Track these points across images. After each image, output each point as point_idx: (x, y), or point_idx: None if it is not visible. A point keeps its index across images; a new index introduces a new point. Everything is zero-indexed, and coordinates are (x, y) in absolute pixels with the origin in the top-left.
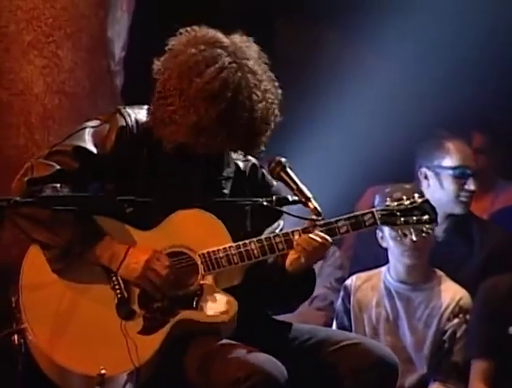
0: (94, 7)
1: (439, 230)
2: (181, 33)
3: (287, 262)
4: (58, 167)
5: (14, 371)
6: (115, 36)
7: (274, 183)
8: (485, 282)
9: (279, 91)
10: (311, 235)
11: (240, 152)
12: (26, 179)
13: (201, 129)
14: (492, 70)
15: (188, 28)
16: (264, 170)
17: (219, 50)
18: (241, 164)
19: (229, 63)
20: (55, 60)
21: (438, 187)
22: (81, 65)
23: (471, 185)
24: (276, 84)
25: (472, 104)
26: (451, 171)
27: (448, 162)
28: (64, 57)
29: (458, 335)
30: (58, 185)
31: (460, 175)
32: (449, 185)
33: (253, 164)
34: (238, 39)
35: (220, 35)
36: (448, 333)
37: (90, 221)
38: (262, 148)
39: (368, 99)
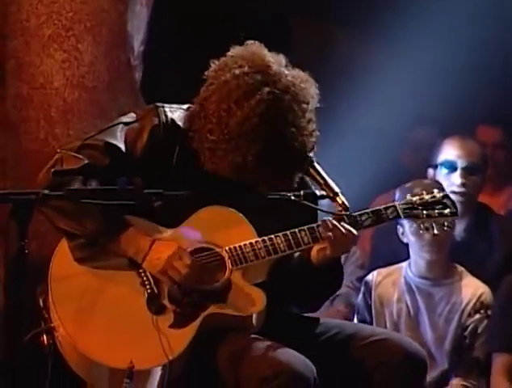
0: (113, 1)
1: (459, 230)
2: (243, 43)
3: (313, 253)
4: (87, 161)
5: (44, 372)
6: (135, 31)
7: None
8: (508, 276)
9: (317, 132)
10: (337, 225)
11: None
12: (53, 170)
13: (243, 168)
14: (510, 64)
15: (248, 42)
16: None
17: (260, 77)
18: None
19: (267, 93)
20: (75, 54)
21: None
22: (101, 59)
23: (457, 178)
24: (314, 125)
25: (489, 100)
26: (440, 167)
27: (440, 158)
28: (84, 51)
29: (479, 330)
30: (82, 177)
31: (448, 170)
32: (442, 181)
33: None
34: (290, 72)
35: (268, 59)
36: (469, 329)
37: (115, 212)
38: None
39: (381, 97)
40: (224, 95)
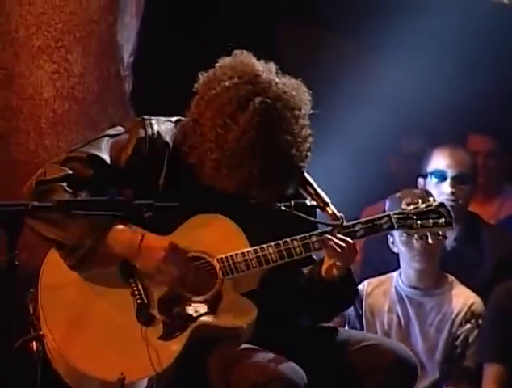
0: (103, 12)
1: (449, 239)
2: (230, 54)
3: (323, 270)
4: (69, 172)
5: (33, 379)
6: (124, 41)
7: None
8: (499, 286)
9: (311, 138)
10: (335, 239)
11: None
12: (35, 181)
13: (248, 182)
14: (501, 74)
15: (236, 52)
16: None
17: (250, 87)
18: None
19: (259, 103)
20: (64, 65)
21: None
22: (91, 70)
23: (447, 188)
24: (308, 131)
25: (481, 109)
26: (430, 177)
27: (429, 168)
28: (73, 62)
29: (470, 340)
30: (65, 184)
31: (437, 179)
32: (432, 191)
33: None
34: (280, 79)
35: (258, 68)
36: (460, 338)
37: (100, 215)
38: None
39: (373, 103)
40: (218, 110)
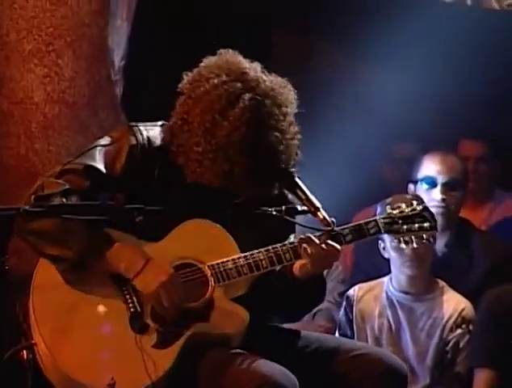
0: (94, 16)
1: (440, 245)
2: (213, 54)
3: (295, 267)
4: (67, 186)
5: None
6: (115, 45)
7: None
8: (489, 292)
9: (299, 136)
10: (318, 242)
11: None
12: (34, 196)
13: (230, 176)
14: (492, 79)
15: (221, 51)
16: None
17: (239, 84)
18: None
19: (249, 100)
20: (55, 69)
21: None
22: (82, 74)
23: (437, 194)
24: (296, 128)
25: (471, 114)
26: (420, 183)
27: (420, 174)
28: (64, 66)
29: (461, 345)
30: (64, 200)
31: (428, 185)
32: (423, 197)
33: None
34: (267, 77)
35: (244, 66)
36: (451, 343)
37: (98, 230)
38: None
39: (365, 111)
40: (207, 107)
